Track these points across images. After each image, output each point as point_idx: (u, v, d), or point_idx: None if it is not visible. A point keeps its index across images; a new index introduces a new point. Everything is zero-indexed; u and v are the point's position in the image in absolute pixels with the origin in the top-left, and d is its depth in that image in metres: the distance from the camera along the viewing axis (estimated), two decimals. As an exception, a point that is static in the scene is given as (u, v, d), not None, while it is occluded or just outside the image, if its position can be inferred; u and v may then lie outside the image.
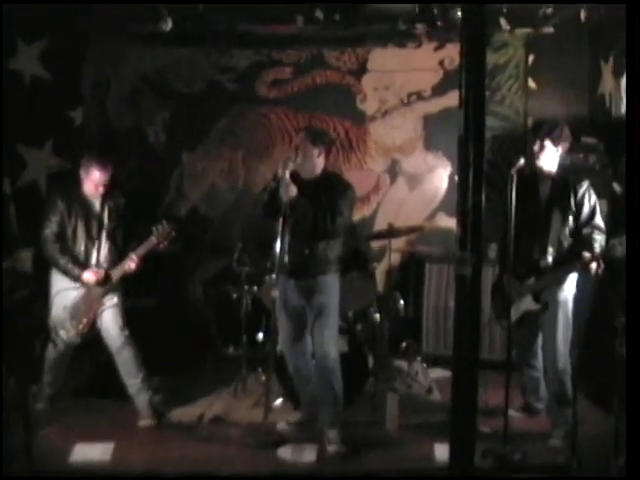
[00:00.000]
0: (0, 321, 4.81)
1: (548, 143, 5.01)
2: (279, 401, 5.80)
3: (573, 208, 5.00)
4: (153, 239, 5.39)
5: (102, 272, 5.44)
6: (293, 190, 4.88)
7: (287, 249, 5.01)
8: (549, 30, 6.88)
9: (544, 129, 5.03)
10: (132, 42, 7.17)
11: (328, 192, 5.00)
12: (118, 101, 7.31)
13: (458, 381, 3.85)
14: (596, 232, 4.94)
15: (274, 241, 4.96)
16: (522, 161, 4.85)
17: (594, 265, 4.67)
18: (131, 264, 5.41)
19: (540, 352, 5.32)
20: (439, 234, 7.17)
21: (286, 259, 5.02)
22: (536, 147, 5.02)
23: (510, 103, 7.27)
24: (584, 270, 4.79)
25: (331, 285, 5.15)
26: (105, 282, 5.45)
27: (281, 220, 4.87)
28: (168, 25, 6.44)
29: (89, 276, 5.41)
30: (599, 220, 4.99)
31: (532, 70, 7.21)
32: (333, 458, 4.98)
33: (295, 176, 4.96)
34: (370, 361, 5.86)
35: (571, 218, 5.01)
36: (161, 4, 6.25)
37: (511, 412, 5.03)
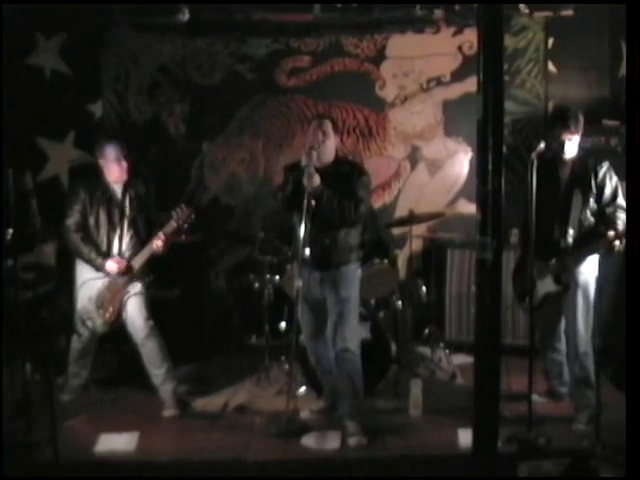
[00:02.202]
0: (0, 316, 4.87)
1: (567, 136, 4.99)
2: (302, 389, 5.81)
3: (594, 189, 4.99)
4: (173, 223, 5.39)
5: (124, 262, 5.47)
6: (317, 179, 4.86)
7: (308, 240, 4.97)
8: (569, 13, 6.82)
9: (560, 124, 5.00)
10: (150, 34, 7.16)
11: (345, 179, 4.99)
12: (138, 93, 7.31)
13: (480, 366, 3.83)
14: (619, 211, 4.93)
15: (296, 232, 4.96)
16: (543, 145, 4.82)
17: (618, 243, 4.66)
18: (159, 242, 5.40)
19: (563, 335, 5.29)
20: (460, 220, 7.15)
21: (307, 251, 4.99)
22: (556, 143, 5.00)
23: (530, 87, 7.22)
24: (608, 249, 4.76)
25: (353, 276, 5.14)
26: (128, 272, 5.48)
27: (304, 210, 4.83)
28: (185, 16, 6.46)
29: (112, 266, 5.44)
30: (621, 200, 4.98)
31: (552, 53, 7.15)
32: (361, 446, 4.98)
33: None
34: (393, 348, 5.86)
35: (592, 199, 5.00)
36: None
37: (535, 397, 5.03)
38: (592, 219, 5.03)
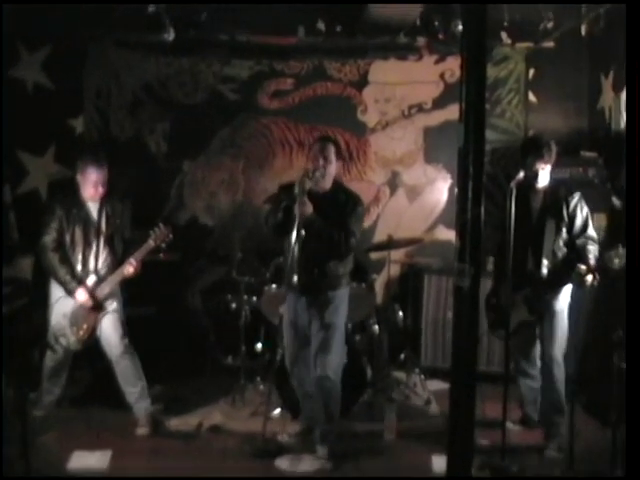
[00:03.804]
0: (0, 324, 4.83)
1: (541, 165, 5.04)
2: (277, 411, 5.78)
3: (566, 219, 5.05)
4: (151, 242, 5.37)
5: (94, 297, 5.42)
6: (309, 208, 4.78)
7: (297, 267, 4.89)
8: (550, 44, 6.92)
9: (534, 153, 5.05)
10: (135, 51, 7.16)
11: (340, 209, 4.94)
12: (119, 110, 7.30)
13: (456, 392, 3.85)
14: (590, 242, 4.99)
15: (285, 258, 4.95)
16: (522, 174, 4.88)
17: (589, 277, 4.67)
18: (130, 268, 5.39)
19: (538, 362, 5.32)
20: (438, 246, 7.19)
21: (295, 278, 4.91)
22: (530, 172, 5.04)
23: (510, 116, 7.30)
24: (579, 283, 4.77)
25: (340, 301, 5.09)
26: (95, 307, 5.45)
27: (293, 238, 4.79)
28: (170, 35, 6.46)
29: (81, 296, 5.40)
30: (592, 231, 5.05)
31: (532, 84, 7.25)
32: (325, 470, 4.97)
33: (308, 190, 4.85)
34: (369, 372, 5.85)
35: (564, 229, 5.05)
36: (165, 14, 6.24)
37: (509, 424, 5.05)
38: (565, 249, 5.08)
